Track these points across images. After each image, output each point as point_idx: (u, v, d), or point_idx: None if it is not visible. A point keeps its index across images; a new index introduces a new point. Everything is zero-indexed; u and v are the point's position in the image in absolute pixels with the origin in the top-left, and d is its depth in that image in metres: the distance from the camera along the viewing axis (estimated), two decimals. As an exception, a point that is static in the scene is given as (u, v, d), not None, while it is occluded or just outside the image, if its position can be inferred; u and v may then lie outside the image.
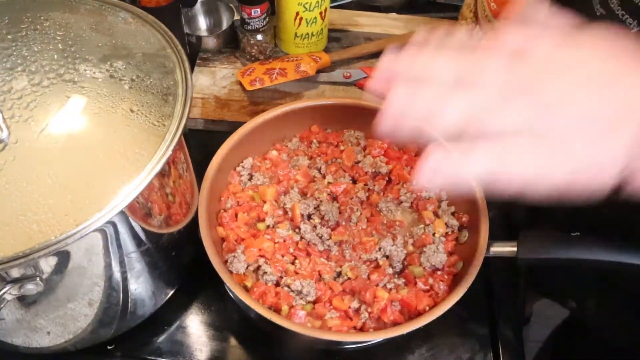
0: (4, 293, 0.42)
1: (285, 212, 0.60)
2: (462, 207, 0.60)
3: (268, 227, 0.59)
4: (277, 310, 0.53)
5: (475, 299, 0.57)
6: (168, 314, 0.60)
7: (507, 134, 0.32)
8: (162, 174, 0.49)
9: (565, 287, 0.68)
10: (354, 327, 0.53)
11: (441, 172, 0.34)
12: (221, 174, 0.61)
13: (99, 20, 0.53)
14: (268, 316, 0.50)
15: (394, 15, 0.93)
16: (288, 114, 0.65)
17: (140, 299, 0.55)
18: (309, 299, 0.54)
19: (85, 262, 0.46)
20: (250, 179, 0.64)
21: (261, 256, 0.56)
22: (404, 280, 0.55)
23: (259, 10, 0.79)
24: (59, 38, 0.50)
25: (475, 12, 0.76)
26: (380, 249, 0.57)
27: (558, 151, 0.32)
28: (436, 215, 0.60)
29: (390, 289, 0.55)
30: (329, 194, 0.61)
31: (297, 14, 0.80)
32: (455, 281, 0.55)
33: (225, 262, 0.56)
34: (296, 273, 0.55)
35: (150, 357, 0.58)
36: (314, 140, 0.67)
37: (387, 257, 0.57)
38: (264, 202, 0.60)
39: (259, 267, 0.56)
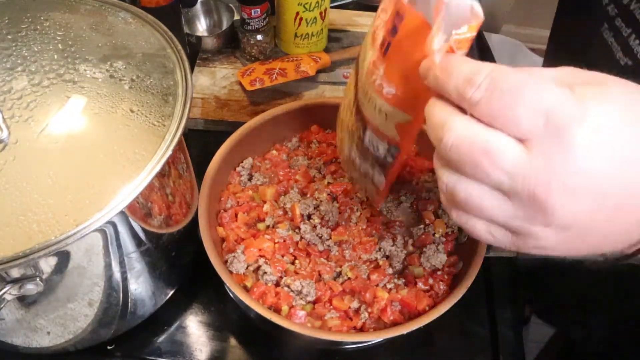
0: (4, 293, 0.42)
1: (285, 212, 0.60)
2: (462, 207, 0.60)
3: (268, 227, 0.59)
4: (277, 310, 0.53)
5: (475, 299, 0.57)
6: (168, 314, 0.60)
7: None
8: (162, 174, 0.49)
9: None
10: (354, 327, 0.53)
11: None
12: (221, 174, 0.61)
13: (99, 20, 0.53)
14: (268, 316, 0.50)
15: (394, 15, 0.93)
16: (288, 114, 0.65)
17: (140, 299, 0.55)
18: (309, 299, 0.54)
19: (85, 262, 0.46)
20: (250, 179, 0.64)
21: (261, 256, 0.56)
22: (404, 280, 0.55)
23: (259, 10, 0.79)
24: (59, 38, 0.50)
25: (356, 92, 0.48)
26: (380, 249, 0.57)
27: (580, 240, 0.30)
28: (436, 215, 0.60)
29: (390, 289, 0.55)
30: (328, 194, 0.61)
31: (297, 14, 0.80)
32: (455, 281, 0.55)
33: (225, 262, 0.56)
34: (296, 273, 0.55)
35: (150, 357, 0.58)
36: (314, 140, 0.67)
37: (387, 257, 0.57)
38: (264, 202, 0.60)
39: (259, 267, 0.56)
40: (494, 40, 1.21)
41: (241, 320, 0.61)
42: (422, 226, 0.59)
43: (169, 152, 0.44)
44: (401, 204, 0.61)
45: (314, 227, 0.58)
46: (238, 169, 0.64)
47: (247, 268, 0.55)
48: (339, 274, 0.56)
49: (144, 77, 0.49)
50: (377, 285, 0.55)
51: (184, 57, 0.50)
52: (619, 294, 0.62)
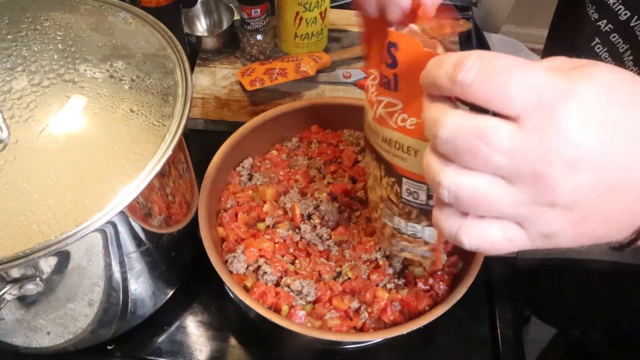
0: (4, 293, 0.42)
1: (285, 212, 0.60)
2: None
3: (268, 227, 0.59)
4: (277, 310, 0.53)
5: (475, 299, 0.57)
6: (168, 314, 0.60)
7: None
8: (162, 174, 0.49)
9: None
10: (354, 327, 0.53)
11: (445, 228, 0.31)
12: (221, 174, 0.61)
13: (99, 20, 0.53)
14: (268, 316, 0.50)
15: (394, 15, 0.93)
16: (288, 114, 0.65)
17: (140, 299, 0.55)
18: (309, 299, 0.54)
19: (85, 262, 0.46)
20: (250, 179, 0.64)
21: (261, 256, 0.56)
22: (404, 280, 0.55)
23: (259, 10, 0.79)
24: (59, 38, 0.50)
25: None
26: (380, 249, 0.57)
27: (584, 223, 0.30)
28: (436, 215, 0.60)
29: (390, 289, 0.55)
30: (328, 194, 0.61)
31: (297, 14, 0.80)
32: (455, 281, 0.55)
33: (225, 262, 0.56)
34: (296, 273, 0.55)
35: (150, 357, 0.58)
36: (314, 140, 0.67)
37: (387, 257, 0.57)
38: (264, 202, 0.60)
39: (259, 267, 0.56)
40: (494, 40, 1.21)
41: (241, 320, 0.61)
42: (422, 226, 0.59)
43: (169, 152, 0.44)
44: (401, 204, 0.61)
45: (314, 227, 0.58)
46: (238, 169, 0.64)
47: (247, 268, 0.55)
48: (339, 274, 0.56)
49: (144, 77, 0.49)
50: (377, 285, 0.55)
51: (184, 57, 0.50)
52: (618, 294, 0.62)
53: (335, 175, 0.63)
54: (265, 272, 0.55)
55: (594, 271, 0.61)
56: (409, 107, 0.38)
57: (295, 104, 0.66)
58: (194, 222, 0.55)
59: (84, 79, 0.47)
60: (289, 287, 0.54)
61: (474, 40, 0.93)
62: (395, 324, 0.53)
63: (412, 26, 0.39)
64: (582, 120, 0.27)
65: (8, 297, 0.43)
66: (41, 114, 0.44)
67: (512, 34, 1.32)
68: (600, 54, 0.58)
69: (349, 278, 0.55)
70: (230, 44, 0.87)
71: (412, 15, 0.41)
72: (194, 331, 0.60)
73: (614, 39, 0.55)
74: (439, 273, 0.55)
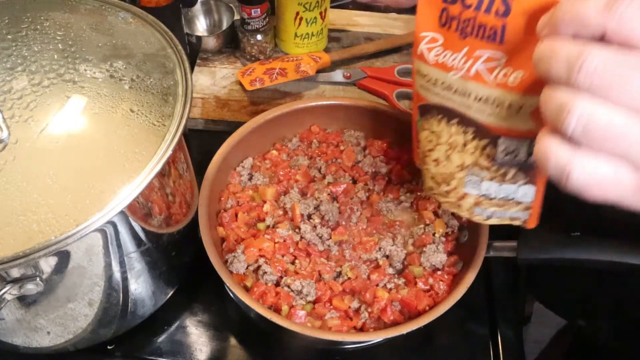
0: (4, 293, 0.42)
1: (285, 212, 0.60)
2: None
3: (268, 227, 0.59)
4: (277, 310, 0.53)
5: (475, 299, 0.57)
6: (168, 314, 0.60)
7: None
8: (162, 174, 0.49)
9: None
10: (354, 327, 0.53)
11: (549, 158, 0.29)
12: (221, 174, 0.61)
13: (99, 20, 0.53)
14: (268, 316, 0.50)
15: (394, 15, 0.94)
16: (288, 114, 0.65)
17: (140, 299, 0.55)
18: (309, 299, 0.54)
19: (85, 262, 0.46)
20: (250, 179, 0.64)
21: (261, 256, 0.56)
22: (404, 280, 0.55)
23: (259, 10, 0.79)
24: (59, 38, 0.50)
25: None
26: (380, 249, 0.57)
27: None
28: (436, 215, 0.60)
29: (390, 289, 0.55)
30: (329, 194, 0.61)
31: (297, 14, 0.80)
32: (455, 281, 0.55)
33: (225, 262, 0.56)
34: (296, 273, 0.55)
35: (150, 357, 0.58)
36: (314, 140, 0.67)
37: (387, 257, 0.57)
38: (264, 202, 0.60)
39: (259, 267, 0.56)
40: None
41: (241, 320, 0.61)
42: (422, 226, 0.59)
43: (169, 152, 0.44)
44: (401, 203, 0.61)
45: (314, 227, 0.58)
46: (238, 169, 0.64)
47: (247, 268, 0.55)
48: (339, 274, 0.56)
49: (144, 77, 0.49)
50: (377, 285, 0.55)
51: (184, 57, 0.50)
52: (618, 295, 0.62)
53: (335, 175, 0.63)
54: (265, 272, 0.55)
55: (595, 271, 0.61)
56: (514, 60, 0.36)
57: (295, 104, 0.66)
58: (194, 222, 0.56)
59: (84, 79, 0.47)
60: (289, 287, 0.54)
61: None
62: (395, 323, 0.53)
63: None
64: None
65: (8, 297, 0.43)
66: (41, 114, 0.44)
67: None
68: None
69: (349, 278, 0.55)
70: (230, 44, 0.87)
71: None
72: (194, 331, 0.60)
73: None
74: (439, 273, 0.56)
